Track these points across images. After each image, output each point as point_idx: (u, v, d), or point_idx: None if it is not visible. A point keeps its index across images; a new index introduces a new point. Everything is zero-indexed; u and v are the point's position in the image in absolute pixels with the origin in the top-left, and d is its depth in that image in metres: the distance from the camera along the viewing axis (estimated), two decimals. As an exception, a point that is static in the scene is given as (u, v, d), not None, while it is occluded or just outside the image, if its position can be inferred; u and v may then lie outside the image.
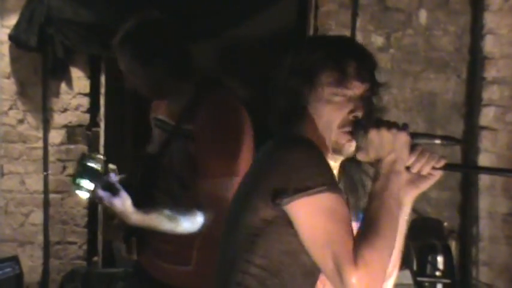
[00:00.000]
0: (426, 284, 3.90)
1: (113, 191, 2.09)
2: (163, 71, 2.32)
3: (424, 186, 1.65)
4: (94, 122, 4.79)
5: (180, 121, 2.35)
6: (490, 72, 4.38)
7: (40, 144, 4.71)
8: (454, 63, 4.51)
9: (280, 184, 1.52)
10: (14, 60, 4.70)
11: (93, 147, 4.70)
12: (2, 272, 3.87)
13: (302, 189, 1.50)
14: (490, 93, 4.39)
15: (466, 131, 4.49)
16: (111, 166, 2.12)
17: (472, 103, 4.48)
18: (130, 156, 4.90)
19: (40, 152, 4.72)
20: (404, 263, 3.38)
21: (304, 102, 1.64)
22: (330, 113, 1.62)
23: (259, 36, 4.63)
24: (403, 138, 1.57)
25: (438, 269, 3.93)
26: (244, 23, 4.55)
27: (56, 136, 4.73)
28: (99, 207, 4.67)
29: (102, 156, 2.11)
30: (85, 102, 4.73)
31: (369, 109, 1.64)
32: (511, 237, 4.37)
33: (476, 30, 4.43)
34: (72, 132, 4.73)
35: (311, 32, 4.54)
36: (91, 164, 2.06)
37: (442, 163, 1.61)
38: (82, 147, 4.72)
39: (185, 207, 2.24)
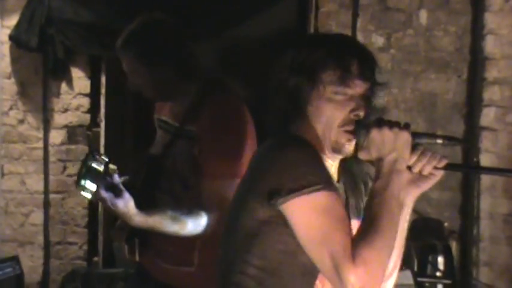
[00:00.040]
0: (427, 284, 3.90)
1: (115, 192, 2.08)
2: (168, 72, 2.32)
3: (426, 186, 1.64)
4: (94, 122, 4.79)
5: (184, 122, 2.34)
6: (491, 73, 4.38)
7: (40, 144, 4.72)
8: (454, 63, 4.51)
9: (274, 184, 1.52)
10: (14, 60, 4.71)
11: (93, 147, 4.70)
12: (3, 272, 3.87)
13: (296, 189, 1.50)
14: (491, 93, 4.39)
15: (466, 131, 4.49)
16: (112, 166, 2.11)
17: (472, 103, 4.48)
18: (131, 156, 4.90)
19: (40, 152, 4.72)
20: (405, 263, 3.37)
21: (304, 101, 1.63)
22: (331, 112, 1.61)
23: (259, 37, 4.62)
24: (405, 137, 1.56)
25: (439, 270, 3.93)
26: (245, 23, 4.55)
27: (56, 136, 4.73)
28: (100, 208, 4.68)
29: (105, 157, 2.10)
30: (85, 102, 4.73)
31: (369, 108, 1.64)
32: (512, 237, 4.38)
33: (477, 31, 4.42)
34: (72, 133, 4.73)
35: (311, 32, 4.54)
36: (95, 165, 2.05)
37: (443, 163, 1.61)
38: (82, 148, 4.73)
39: (189, 208, 2.23)
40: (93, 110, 4.77)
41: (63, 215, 4.74)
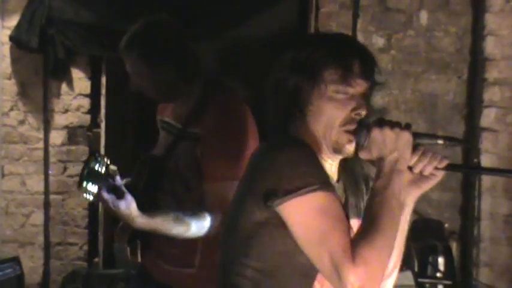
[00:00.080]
0: (427, 285, 3.90)
1: (117, 194, 2.07)
2: (170, 73, 2.32)
3: (426, 186, 1.64)
4: (95, 123, 4.79)
5: (186, 124, 2.34)
6: (491, 74, 4.38)
7: (41, 145, 4.71)
8: (455, 64, 4.52)
9: (270, 186, 1.51)
10: (15, 61, 4.71)
11: (93, 148, 4.70)
12: (3, 272, 3.87)
13: (292, 190, 1.49)
14: (491, 94, 4.39)
15: (467, 132, 4.49)
16: (112, 167, 2.11)
17: (473, 104, 4.48)
18: (131, 157, 4.90)
19: (41, 153, 4.72)
20: (406, 264, 3.38)
21: (304, 101, 1.62)
22: (332, 111, 1.60)
23: (259, 37, 4.62)
24: (406, 137, 1.56)
25: (439, 270, 3.93)
26: (245, 24, 4.55)
27: (56, 137, 4.73)
28: (100, 208, 4.68)
29: (107, 159, 2.09)
30: (86, 103, 4.73)
31: (370, 108, 1.64)
32: (512, 238, 4.38)
33: (477, 31, 4.42)
34: (73, 133, 4.73)
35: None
36: (97, 167, 2.04)
37: (444, 163, 1.61)
38: (83, 148, 4.73)
39: (192, 210, 2.23)
40: (94, 110, 4.77)
41: (64, 216, 4.74)
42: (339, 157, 1.68)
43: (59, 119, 4.72)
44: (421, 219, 4.21)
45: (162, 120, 2.52)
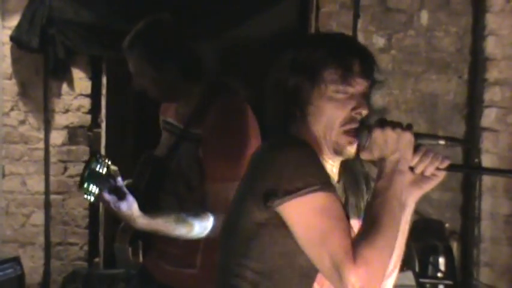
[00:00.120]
0: (428, 285, 3.90)
1: (119, 194, 2.07)
2: (173, 73, 2.32)
3: (428, 187, 1.64)
4: (95, 123, 4.79)
5: (189, 125, 2.34)
6: (492, 74, 4.38)
7: (41, 145, 4.71)
8: (455, 64, 4.51)
9: (270, 186, 1.51)
10: (15, 61, 4.71)
11: (94, 148, 4.70)
12: (4, 272, 3.87)
13: (292, 191, 1.49)
14: (492, 94, 4.39)
15: (467, 132, 4.49)
16: (113, 167, 2.11)
17: (473, 104, 4.48)
18: (132, 157, 4.90)
19: (41, 153, 4.72)
20: (406, 264, 3.38)
21: (304, 101, 1.62)
22: (333, 111, 1.60)
23: (260, 37, 4.62)
24: (407, 138, 1.56)
25: (440, 270, 3.93)
26: (245, 24, 4.55)
27: (57, 137, 4.73)
28: (100, 209, 4.68)
29: (108, 160, 2.09)
30: (86, 103, 4.73)
31: (370, 107, 1.64)
32: (513, 238, 4.38)
33: (478, 31, 4.42)
34: (73, 133, 4.73)
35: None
36: (98, 168, 2.04)
37: (445, 164, 1.61)
38: (83, 148, 4.73)
39: (194, 210, 2.22)
40: (94, 110, 4.77)
41: (64, 216, 4.74)
42: (340, 158, 1.68)
43: (60, 119, 4.72)
44: (422, 219, 4.21)
45: (164, 120, 2.52)
